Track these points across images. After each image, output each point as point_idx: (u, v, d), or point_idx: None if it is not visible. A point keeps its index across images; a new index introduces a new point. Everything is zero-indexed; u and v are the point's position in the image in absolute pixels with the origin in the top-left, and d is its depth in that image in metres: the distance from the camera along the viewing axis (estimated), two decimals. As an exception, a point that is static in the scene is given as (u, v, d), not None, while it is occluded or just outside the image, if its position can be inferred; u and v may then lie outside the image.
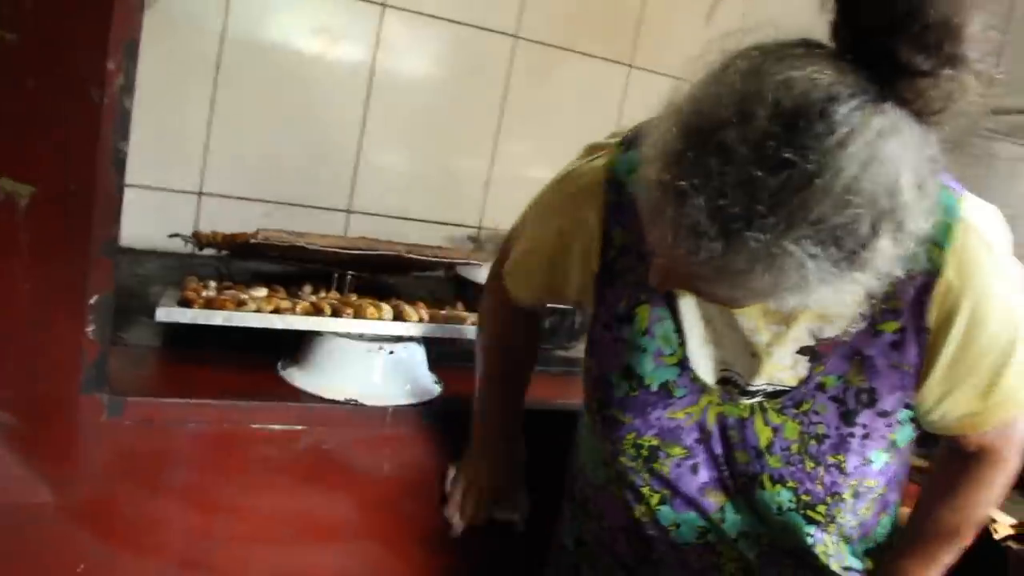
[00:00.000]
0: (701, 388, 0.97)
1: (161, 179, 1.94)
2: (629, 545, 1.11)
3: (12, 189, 1.08)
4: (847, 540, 1.03)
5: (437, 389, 1.42)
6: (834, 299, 0.74)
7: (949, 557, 1.01)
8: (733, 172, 0.66)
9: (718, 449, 0.98)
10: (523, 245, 1.10)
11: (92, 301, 1.12)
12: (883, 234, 0.69)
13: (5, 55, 1.05)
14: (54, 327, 1.12)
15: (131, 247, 1.82)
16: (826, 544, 1.00)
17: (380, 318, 1.37)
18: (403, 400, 1.34)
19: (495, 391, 1.25)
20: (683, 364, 0.97)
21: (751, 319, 0.91)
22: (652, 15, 2.33)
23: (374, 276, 1.75)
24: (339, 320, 1.33)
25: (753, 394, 0.95)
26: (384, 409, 1.31)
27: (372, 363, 1.34)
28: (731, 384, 0.96)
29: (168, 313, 1.27)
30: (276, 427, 1.25)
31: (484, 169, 2.25)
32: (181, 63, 1.88)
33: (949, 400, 0.90)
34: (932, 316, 0.86)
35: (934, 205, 0.72)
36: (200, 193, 1.99)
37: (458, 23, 2.10)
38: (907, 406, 0.92)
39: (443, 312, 1.47)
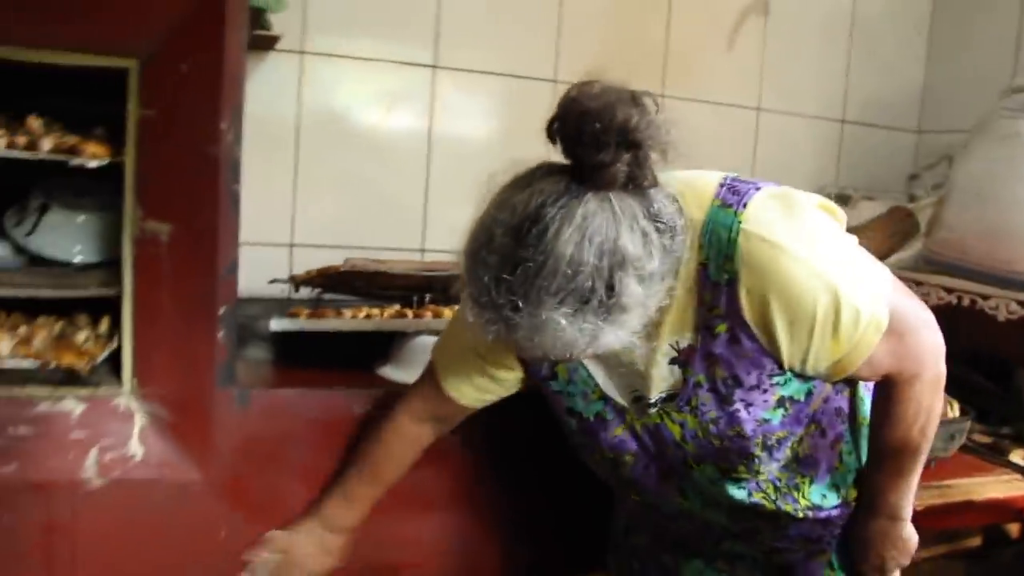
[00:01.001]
0: (622, 410, 1.20)
1: (257, 235, 2.24)
2: (647, 518, 1.36)
3: (156, 228, 1.38)
4: (796, 485, 1.22)
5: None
6: (621, 339, 0.95)
7: (911, 464, 1.20)
8: (492, 277, 0.91)
9: (652, 449, 1.21)
10: (450, 343, 1.33)
11: (220, 312, 1.40)
12: (624, 281, 0.91)
13: (147, 126, 1.36)
14: (192, 335, 1.40)
15: (238, 296, 2.12)
16: (766, 493, 1.20)
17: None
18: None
19: (348, 481, 1.40)
20: (604, 397, 1.20)
21: (626, 352, 1.09)
22: (676, 47, 2.58)
23: (447, 298, 2.00)
24: (421, 320, 1.59)
25: (655, 404, 1.16)
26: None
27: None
28: (641, 401, 1.18)
29: (280, 323, 1.54)
30: (376, 412, 1.49)
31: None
32: (266, 134, 2.20)
33: (811, 358, 1.06)
34: (747, 313, 1.05)
35: (672, 242, 0.96)
36: (291, 245, 2.29)
37: (501, 75, 2.39)
38: (773, 375, 1.10)
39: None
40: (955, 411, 1.83)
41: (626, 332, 0.96)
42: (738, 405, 1.11)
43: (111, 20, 1.32)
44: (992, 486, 1.79)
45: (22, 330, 1.41)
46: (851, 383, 1.24)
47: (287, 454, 1.47)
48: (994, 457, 1.91)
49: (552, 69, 2.42)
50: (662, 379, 1.14)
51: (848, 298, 1.03)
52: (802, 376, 1.12)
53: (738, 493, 1.19)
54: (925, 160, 2.79)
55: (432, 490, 1.57)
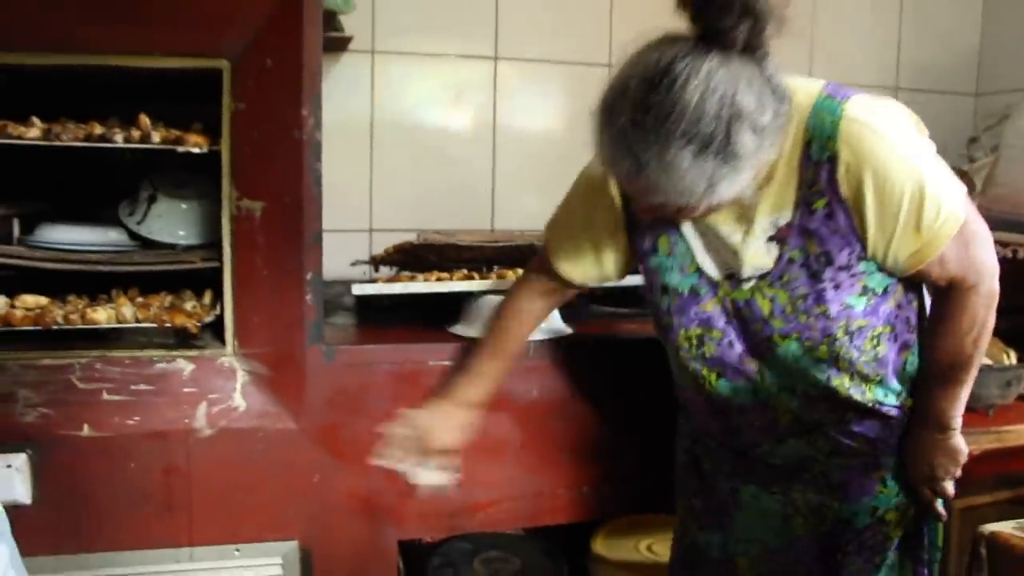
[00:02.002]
0: (715, 284, 1.30)
1: (339, 223, 2.42)
2: (716, 421, 1.43)
3: (250, 206, 1.57)
4: (868, 376, 1.29)
5: (567, 329, 1.79)
6: (733, 189, 1.08)
7: (962, 375, 1.28)
8: (627, 119, 1.04)
9: (739, 326, 1.30)
10: (562, 218, 1.45)
11: (308, 277, 1.58)
12: (740, 132, 1.03)
13: (239, 118, 1.55)
14: (284, 299, 1.59)
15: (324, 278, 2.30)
16: (842, 379, 1.27)
17: (516, 278, 1.76)
18: (542, 337, 1.72)
19: (472, 359, 1.49)
20: (699, 271, 1.30)
21: (726, 227, 1.24)
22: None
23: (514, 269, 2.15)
24: (486, 281, 1.74)
25: (748, 279, 1.26)
26: (529, 343, 1.68)
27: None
28: (733, 277, 1.28)
29: (361, 288, 1.72)
30: (448, 363, 1.64)
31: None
32: (343, 129, 2.40)
33: (893, 245, 1.17)
34: (844, 189, 1.16)
35: (780, 106, 1.08)
36: (370, 230, 2.48)
37: (559, 63, 2.53)
38: (861, 258, 1.20)
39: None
40: (1012, 359, 1.87)
41: (739, 182, 1.08)
42: (826, 283, 1.21)
43: (206, 27, 1.51)
44: (1052, 433, 1.81)
45: (141, 300, 1.62)
46: (919, 296, 1.31)
47: (370, 403, 1.64)
48: (1055, 405, 1.94)
49: (606, 54, 2.55)
50: (757, 255, 1.24)
51: (932, 190, 1.14)
52: (882, 269, 1.22)
53: (819, 374, 1.27)
54: (984, 123, 2.80)
55: (506, 437, 1.72)
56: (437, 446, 1.43)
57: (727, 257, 1.28)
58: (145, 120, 1.58)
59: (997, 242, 2.12)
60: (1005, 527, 1.36)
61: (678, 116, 1.02)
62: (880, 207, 1.15)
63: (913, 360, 1.33)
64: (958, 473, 1.35)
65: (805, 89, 1.19)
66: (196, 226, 1.77)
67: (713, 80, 1.02)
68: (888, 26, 2.86)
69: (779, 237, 1.23)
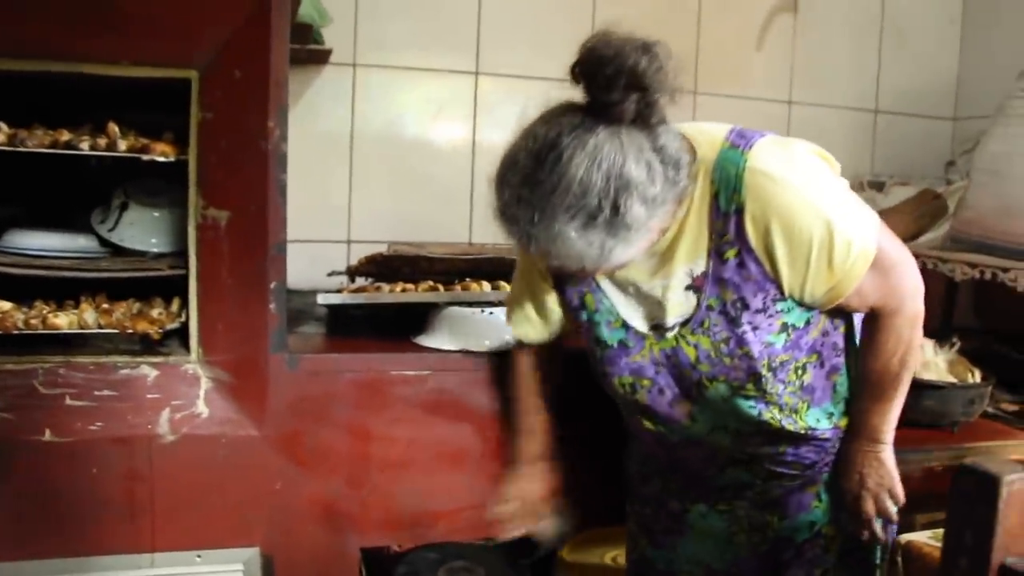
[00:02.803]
0: (643, 336, 1.31)
1: (317, 233, 2.46)
2: (661, 451, 1.46)
3: (216, 215, 1.59)
4: (796, 406, 1.31)
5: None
6: (628, 255, 1.12)
7: (891, 392, 1.30)
8: (514, 194, 1.08)
9: (668, 373, 1.31)
10: (513, 286, 1.52)
11: (272, 286, 1.60)
12: (629, 203, 1.06)
13: (207, 127, 1.57)
14: (248, 307, 1.60)
15: (299, 288, 2.32)
16: (772, 412, 1.29)
17: (481, 290, 1.78)
18: (505, 347, 1.72)
19: (520, 420, 1.57)
20: (625, 325, 1.32)
21: (646, 282, 1.27)
22: (707, 48, 2.70)
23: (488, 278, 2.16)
24: (450, 292, 1.76)
25: (672, 328, 1.28)
26: (486, 354, 1.70)
27: (476, 322, 1.75)
28: (659, 327, 1.30)
29: (326, 297, 1.74)
30: (409, 372, 1.67)
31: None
32: (324, 142, 2.43)
33: (808, 285, 1.19)
34: (752, 239, 1.17)
35: (675, 173, 1.11)
36: (348, 241, 2.50)
37: (539, 79, 2.55)
38: (777, 300, 1.21)
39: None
40: (976, 377, 1.89)
41: (635, 247, 1.12)
42: (745, 327, 1.22)
43: (176, 38, 1.54)
44: (1015, 449, 1.82)
45: (105, 306, 1.64)
46: (847, 320, 1.35)
47: (332, 411, 1.66)
48: (1019, 423, 1.95)
49: (585, 71, 2.57)
50: (678, 304, 1.26)
51: (841, 231, 1.15)
52: (801, 304, 1.23)
53: (750, 410, 1.29)
54: (961, 147, 2.83)
55: (468, 446, 1.74)
56: (537, 502, 1.53)
57: (652, 308, 1.31)
58: (113, 128, 1.60)
59: (966, 264, 2.19)
60: (920, 536, 1.38)
61: (563, 191, 1.05)
62: (791, 253, 1.17)
63: (843, 381, 1.36)
64: (897, 492, 1.36)
65: (709, 141, 1.20)
66: (168, 234, 1.79)
67: (599, 154, 1.05)
68: (868, 51, 2.89)
69: (695, 286, 1.25)
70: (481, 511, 1.74)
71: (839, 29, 2.85)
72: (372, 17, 2.43)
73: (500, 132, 2.48)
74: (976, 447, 1.79)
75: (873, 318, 1.28)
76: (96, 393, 1.57)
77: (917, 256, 2.24)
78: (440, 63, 2.51)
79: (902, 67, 2.92)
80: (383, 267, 2.01)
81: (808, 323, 1.27)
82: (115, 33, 1.51)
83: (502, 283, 1.84)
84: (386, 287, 1.80)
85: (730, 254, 1.20)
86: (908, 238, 2.42)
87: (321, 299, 1.75)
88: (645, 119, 1.07)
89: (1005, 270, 2.09)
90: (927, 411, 1.78)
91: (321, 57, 2.28)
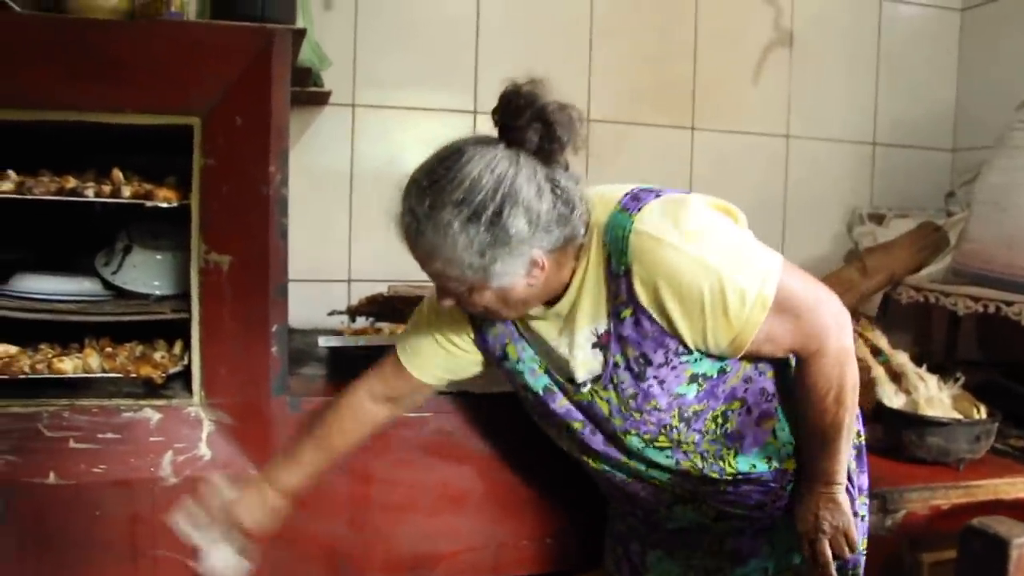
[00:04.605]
0: (562, 386, 1.35)
1: (318, 273, 2.47)
2: (612, 487, 1.47)
3: (218, 259, 1.61)
4: (720, 454, 1.32)
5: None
6: (507, 274, 1.15)
7: (834, 432, 1.29)
8: (415, 184, 1.16)
9: (592, 422, 1.35)
10: (411, 327, 1.49)
11: (273, 329, 1.61)
12: (513, 214, 1.11)
13: (208, 173, 1.60)
14: (251, 350, 1.62)
15: (302, 328, 2.32)
16: (692, 461, 1.32)
17: (480, 332, 1.78)
18: (499, 389, 1.73)
19: (297, 444, 1.45)
20: (548, 372, 1.36)
21: (553, 339, 1.31)
22: (703, 83, 2.73)
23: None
24: (449, 335, 1.75)
25: (584, 384, 1.31)
26: (485, 395, 1.71)
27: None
28: (573, 382, 1.32)
29: (327, 340, 1.75)
30: (410, 415, 1.66)
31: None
32: (324, 182, 2.46)
33: (710, 336, 1.20)
34: (643, 299, 1.20)
35: (564, 208, 1.16)
36: (349, 280, 2.51)
37: (538, 117, 2.58)
38: (681, 354, 1.23)
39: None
40: (982, 413, 1.88)
41: (514, 270, 1.15)
42: (651, 381, 1.25)
43: (177, 86, 1.57)
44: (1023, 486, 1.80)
45: (108, 350, 1.65)
46: (775, 365, 1.33)
47: (334, 454, 1.65)
48: (1028, 460, 1.94)
49: (585, 109, 2.58)
50: (586, 362, 1.29)
51: (731, 280, 1.16)
52: (710, 355, 1.24)
53: (664, 460, 1.32)
54: (961, 178, 2.84)
55: (468, 487, 1.74)
56: (240, 522, 1.38)
57: (561, 364, 1.33)
58: (118, 174, 1.62)
59: (969, 297, 2.20)
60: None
61: (456, 185, 1.12)
62: (684, 309, 1.19)
63: (782, 426, 1.35)
64: (852, 536, 1.35)
65: (605, 203, 1.24)
66: (171, 277, 1.81)
67: (496, 163, 1.12)
68: (864, 83, 2.92)
69: (601, 344, 1.27)
70: (482, 553, 1.75)
71: (835, 62, 2.88)
72: (371, 58, 2.47)
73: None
74: (984, 484, 1.78)
75: (799, 363, 1.29)
76: (100, 436, 1.58)
77: (919, 290, 2.31)
78: (438, 102, 2.54)
79: (899, 99, 2.94)
80: (383, 307, 2.03)
81: (723, 372, 1.28)
82: (117, 82, 1.53)
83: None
84: (386, 328, 1.81)
85: (626, 313, 1.23)
86: (909, 272, 2.43)
87: (322, 342, 1.76)
88: (546, 155, 1.15)
89: (1009, 303, 2.09)
90: (932, 448, 1.78)
91: (321, 99, 2.31)
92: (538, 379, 1.37)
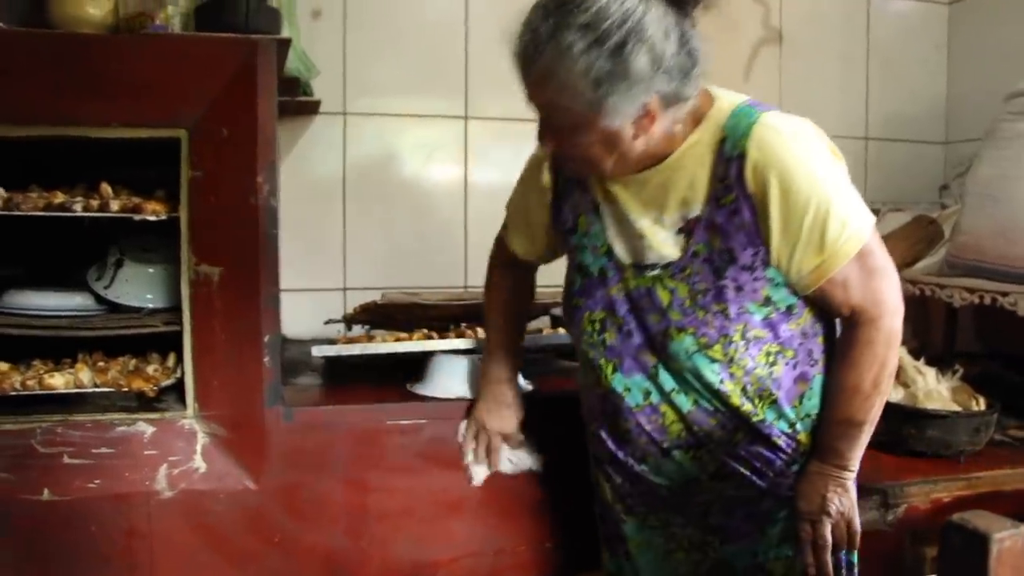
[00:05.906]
0: (622, 268, 1.33)
1: (312, 282, 2.47)
2: (608, 424, 1.41)
3: (208, 271, 1.60)
4: (760, 393, 1.29)
5: (528, 386, 1.80)
6: (617, 109, 1.14)
7: (862, 414, 1.28)
8: (540, 11, 1.14)
9: (639, 316, 1.32)
10: (512, 196, 1.58)
11: (266, 339, 1.61)
12: (636, 50, 1.10)
13: (197, 185, 1.59)
14: (243, 361, 1.61)
15: (299, 338, 2.32)
16: (735, 387, 1.28)
17: (476, 337, 1.78)
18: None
19: (494, 341, 1.63)
20: (609, 252, 1.35)
21: (638, 216, 1.30)
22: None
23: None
24: (444, 341, 1.76)
25: (653, 267, 1.30)
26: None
27: (471, 369, 1.74)
28: (639, 265, 1.32)
29: (321, 350, 1.74)
30: (405, 422, 1.66)
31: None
32: (317, 191, 2.46)
33: (796, 255, 1.21)
34: (751, 185, 1.20)
35: (687, 59, 1.15)
36: (344, 288, 2.51)
37: (528, 120, 2.57)
38: (765, 263, 1.23)
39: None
40: (981, 405, 1.87)
41: (628, 109, 1.15)
42: (728, 281, 1.24)
43: (164, 99, 1.56)
44: (1024, 478, 1.80)
45: (101, 364, 1.65)
46: (826, 330, 1.32)
47: (330, 463, 1.65)
48: (1028, 450, 1.92)
49: (575, 111, 2.60)
50: (664, 244, 1.29)
51: (838, 209, 1.19)
52: (787, 286, 1.25)
53: (709, 375, 1.27)
54: (954, 170, 2.83)
55: (466, 493, 1.71)
56: (499, 433, 1.61)
57: (635, 242, 1.32)
58: (106, 188, 1.62)
59: (964, 289, 2.19)
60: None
61: (583, 10, 1.10)
62: (784, 212, 1.19)
63: (812, 395, 1.33)
64: (855, 527, 1.33)
65: (728, 97, 1.26)
66: (163, 290, 1.80)
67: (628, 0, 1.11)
68: (856, 78, 2.92)
69: (687, 230, 1.27)
70: (481, 559, 1.74)
71: (825, 58, 2.88)
72: (360, 66, 2.47)
73: (492, 174, 2.58)
74: (985, 476, 1.76)
75: (850, 327, 1.27)
76: (94, 451, 1.58)
77: (915, 283, 2.30)
78: (429, 108, 2.55)
79: (890, 93, 2.95)
80: (378, 315, 2.02)
81: (790, 310, 1.27)
82: (103, 96, 1.53)
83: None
84: (381, 336, 1.80)
85: (728, 199, 1.23)
86: (905, 265, 2.42)
87: (316, 351, 1.76)
88: (680, 3, 1.13)
89: (1004, 294, 2.08)
90: (932, 441, 1.77)
91: (311, 108, 2.31)
92: (597, 258, 1.37)
